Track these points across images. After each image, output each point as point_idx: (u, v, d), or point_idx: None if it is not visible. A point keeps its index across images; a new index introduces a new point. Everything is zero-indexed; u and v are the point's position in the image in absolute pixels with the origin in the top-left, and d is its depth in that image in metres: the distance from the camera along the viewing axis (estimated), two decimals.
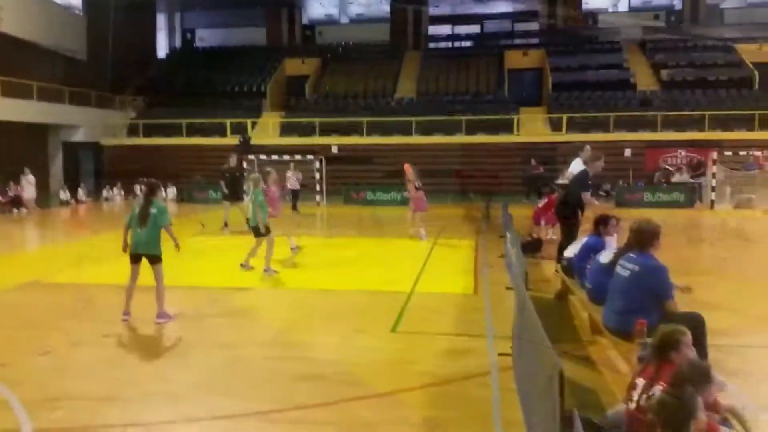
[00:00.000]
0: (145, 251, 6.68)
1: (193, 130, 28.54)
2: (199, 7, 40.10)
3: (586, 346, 5.75)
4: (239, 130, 28.07)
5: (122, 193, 25.37)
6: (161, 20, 40.84)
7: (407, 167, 12.94)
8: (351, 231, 15.40)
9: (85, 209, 22.45)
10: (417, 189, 12.66)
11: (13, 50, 25.13)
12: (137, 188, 24.38)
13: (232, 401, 4.62)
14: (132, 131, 29.92)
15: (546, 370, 3.18)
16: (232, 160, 15.35)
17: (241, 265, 9.47)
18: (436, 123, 26.97)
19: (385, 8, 38.63)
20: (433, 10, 38.94)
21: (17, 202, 20.15)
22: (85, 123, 28.44)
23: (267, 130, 28.81)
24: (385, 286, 8.54)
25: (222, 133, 28.11)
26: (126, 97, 32.65)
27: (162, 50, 40.57)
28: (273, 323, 6.77)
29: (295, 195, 20.22)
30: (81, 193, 24.56)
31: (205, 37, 41.87)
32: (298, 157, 22.24)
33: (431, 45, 38.28)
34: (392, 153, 26.10)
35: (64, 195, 23.73)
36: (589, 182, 8.63)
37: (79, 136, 28.42)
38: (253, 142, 27.11)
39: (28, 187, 20.23)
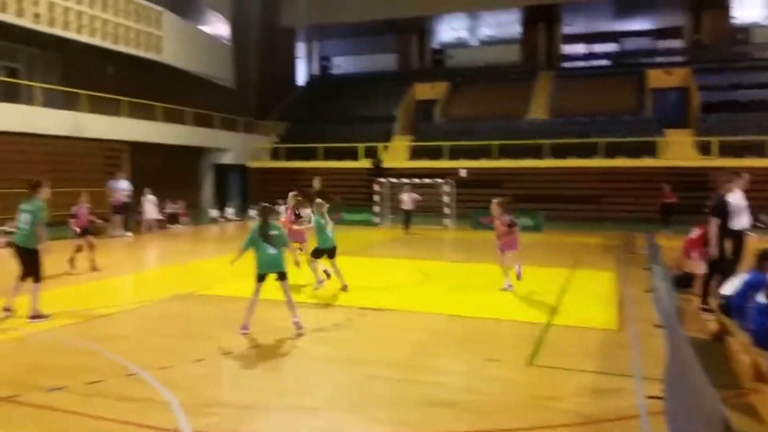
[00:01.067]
0: (277, 269, 7.23)
1: (329, 154, 29.84)
2: (336, 36, 42.11)
3: (748, 394, 5.22)
4: (371, 153, 28.98)
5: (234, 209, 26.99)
6: (301, 49, 43.37)
7: (494, 206, 10.13)
8: (479, 256, 15.21)
9: (233, 226, 24.15)
10: (510, 226, 9.97)
11: (172, 79, 27.88)
12: (280, 207, 25.93)
13: (364, 420, 4.72)
14: (274, 154, 31.91)
15: (707, 419, 2.92)
16: (317, 183, 15.45)
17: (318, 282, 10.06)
18: (570, 146, 26.07)
19: (516, 29, 38.24)
20: (567, 29, 37.94)
21: (174, 218, 22.15)
22: (233, 146, 30.78)
23: (397, 153, 29.45)
24: (518, 315, 8.32)
25: (355, 156, 29.14)
26: (269, 122, 34.94)
27: (301, 78, 43.02)
28: (405, 345, 6.83)
29: (407, 216, 20.63)
30: (229, 211, 26.49)
31: (341, 64, 43.84)
32: (427, 180, 22.48)
33: (565, 64, 37.27)
34: (523, 177, 25.60)
35: (214, 213, 25.76)
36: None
37: (227, 159, 30.80)
38: (384, 165, 27.88)
39: (149, 206, 20.62)
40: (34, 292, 7.78)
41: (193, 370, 5.84)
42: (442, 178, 23.51)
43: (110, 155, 24.00)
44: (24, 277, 7.91)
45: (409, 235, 19.83)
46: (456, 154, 27.59)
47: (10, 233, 14.16)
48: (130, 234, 19.06)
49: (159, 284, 10.83)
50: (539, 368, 6.04)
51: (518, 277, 10.01)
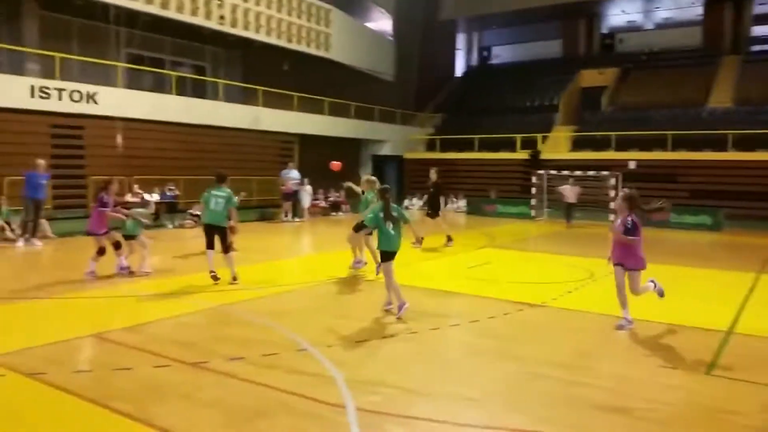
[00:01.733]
0: (397, 249, 7.57)
1: (484, 145, 29.51)
2: (496, 25, 41.35)
3: None
4: (529, 144, 28.18)
5: (421, 202, 27.23)
6: (460, 40, 43.24)
7: (619, 202, 7.55)
8: (651, 256, 14.12)
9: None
10: (628, 232, 7.06)
11: (337, 74, 29.22)
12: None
13: (526, 418, 4.58)
14: (430, 146, 32.27)
15: None
16: (433, 174, 14.94)
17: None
18: (758, 137, 23.25)
19: (697, 10, 34.80)
20: (757, 9, 33.78)
21: (336, 206, 23.33)
22: (391, 138, 31.61)
23: (558, 144, 28.31)
24: (694, 320, 7.60)
25: (512, 147, 28.51)
26: (426, 114, 35.35)
27: (459, 69, 42.92)
28: (569, 344, 6.55)
29: (569, 209, 19.90)
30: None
31: (501, 54, 43.03)
32: (591, 173, 21.35)
33: (754, 48, 33.25)
34: (700, 171, 23.37)
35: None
36: None
37: (385, 150, 31.70)
38: (542, 156, 26.97)
39: (305, 196, 21.75)
40: (231, 262, 9.33)
41: (357, 350, 6.08)
42: (607, 170, 22.18)
43: (283, 147, 25.82)
44: (226, 250, 9.33)
45: (571, 230, 19.05)
46: (624, 144, 25.85)
47: (197, 216, 15.83)
48: (298, 219, 20.39)
49: (320, 267, 11.44)
50: (719, 379, 5.47)
51: (660, 294, 7.61)
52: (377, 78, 32.76)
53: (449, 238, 14.23)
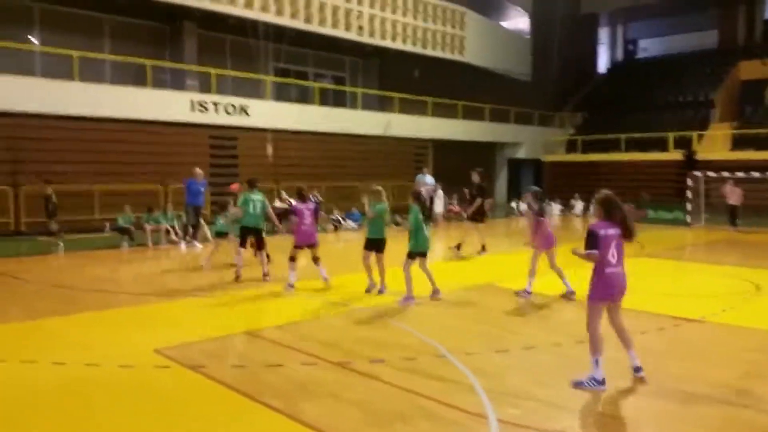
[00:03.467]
0: (428, 249, 8.66)
1: (631, 145, 27.77)
2: (644, 16, 38.84)
3: None
4: (682, 143, 26.12)
5: (561, 206, 26.16)
6: (603, 34, 41.14)
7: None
8: None
9: (525, 222, 24.11)
10: None
11: (471, 76, 29.01)
12: (574, 202, 25.18)
13: None
14: (570, 147, 30.97)
15: None
16: (475, 177, 13.78)
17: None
18: None
19: None
20: None
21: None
22: (527, 140, 30.79)
23: (716, 143, 25.95)
24: None
25: (663, 147, 26.57)
26: (565, 114, 34.02)
27: (603, 65, 40.84)
28: (733, 364, 5.92)
29: (733, 212, 18.21)
30: (522, 206, 26.50)
31: (649, 47, 40.34)
32: (756, 174, 19.28)
33: None
34: None
35: (520, 206, 26.04)
36: None
37: (521, 153, 30.95)
38: (698, 156, 24.91)
39: (437, 201, 20.97)
40: (264, 261, 10.21)
41: (497, 359, 5.95)
42: None
43: (416, 152, 26.11)
44: (260, 247, 10.29)
45: (734, 236, 17.41)
46: None
47: (337, 220, 16.37)
48: (430, 224, 20.46)
49: (458, 273, 11.35)
50: None
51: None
52: (513, 79, 32.11)
53: (483, 247, 13.59)
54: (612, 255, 5.19)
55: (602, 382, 5.07)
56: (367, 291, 9.01)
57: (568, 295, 8.65)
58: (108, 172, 17.52)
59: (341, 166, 22.37)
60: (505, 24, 34.21)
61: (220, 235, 11.86)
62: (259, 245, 10.30)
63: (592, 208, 5.84)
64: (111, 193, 17.12)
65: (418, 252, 8.56)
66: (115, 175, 17.59)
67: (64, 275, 11.00)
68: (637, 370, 5.31)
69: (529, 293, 8.73)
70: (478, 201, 13.73)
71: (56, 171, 16.27)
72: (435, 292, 8.62)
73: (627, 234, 5.26)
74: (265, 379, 5.36)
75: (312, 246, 9.52)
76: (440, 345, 6.32)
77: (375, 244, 8.93)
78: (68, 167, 16.81)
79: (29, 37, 18.96)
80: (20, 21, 18.65)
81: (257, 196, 10.26)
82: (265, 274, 10.08)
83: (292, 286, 9.18)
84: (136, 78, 19.19)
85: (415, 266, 8.59)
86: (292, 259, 9.30)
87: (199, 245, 14.72)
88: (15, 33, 18.09)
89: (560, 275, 8.77)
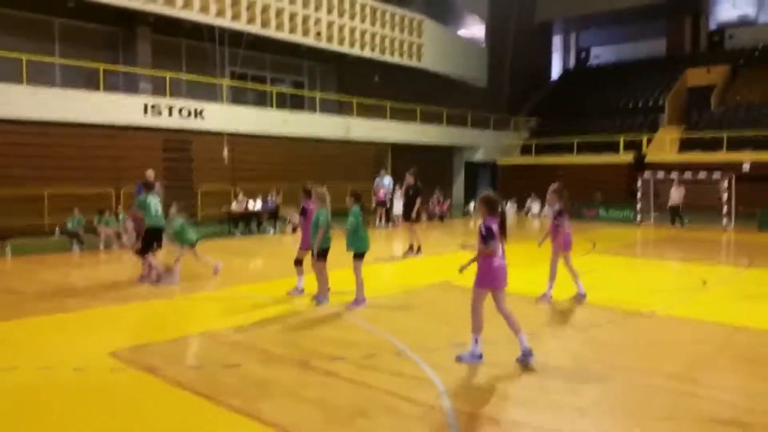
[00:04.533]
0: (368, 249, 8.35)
1: (584, 148, 28.51)
2: (596, 25, 39.99)
3: None
4: (633, 146, 27.01)
5: (515, 207, 26.65)
6: (557, 42, 42.16)
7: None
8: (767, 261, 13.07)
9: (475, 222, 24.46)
10: None
11: (429, 82, 29.34)
12: (528, 203, 25.72)
13: (640, 430, 4.34)
14: (525, 150, 31.60)
15: None
16: (409, 179, 13.85)
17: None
18: None
19: None
20: None
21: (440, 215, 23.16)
22: (484, 144, 31.27)
23: (664, 146, 26.89)
24: None
25: (615, 150, 27.40)
26: (521, 118, 34.70)
27: (556, 71, 41.83)
28: (681, 355, 6.15)
29: (675, 211, 19.47)
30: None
31: (601, 55, 41.53)
32: (701, 175, 20.07)
33: None
34: None
35: (467, 208, 26.43)
36: None
37: (478, 156, 31.41)
38: (648, 159, 25.80)
39: (396, 203, 21.10)
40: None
41: (453, 354, 6.02)
42: (718, 171, 20.76)
43: (375, 156, 26.21)
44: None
45: (680, 234, 18.07)
46: (737, 145, 24.14)
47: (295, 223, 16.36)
48: (389, 225, 20.61)
49: (417, 272, 11.44)
50: None
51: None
52: (470, 84, 32.58)
53: (413, 248, 13.34)
54: (499, 248, 5.76)
55: (479, 357, 5.72)
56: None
57: (579, 298, 8.45)
58: (58, 176, 17.01)
59: (299, 170, 22.27)
60: (461, 32, 34.71)
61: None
62: (157, 246, 10.34)
63: (474, 206, 6.25)
64: (61, 196, 16.63)
65: (363, 252, 8.22)
66: (65, 180, 17.09)
67: (11, 280, 10.62)
68: (527, 354, 5.65)
69: (550, 298, 8.45)
70: (418, 202, 13.71)
71: (4, 175, 15.77)
72: (357, 302, 8.11)
73: (503, 231, 5.81)
74: (222, 379, 5.29)
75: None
76: (399, 342, 6.36)
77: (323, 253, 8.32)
78: (16, 171, 16.28)
79: None
80: None
81: (155, 199, 10.28)
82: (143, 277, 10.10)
83: (301, 290, 8.87)
84: (88, 81, 18.71)
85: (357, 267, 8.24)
86: (299, 262, 8.93)
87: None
88: None
89: (575, 277, 8.48)
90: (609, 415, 4.64)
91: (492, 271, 5.71)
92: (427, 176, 27.24)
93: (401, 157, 26.31)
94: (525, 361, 5.62)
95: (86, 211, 14.94)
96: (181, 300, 8.82)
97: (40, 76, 17.80)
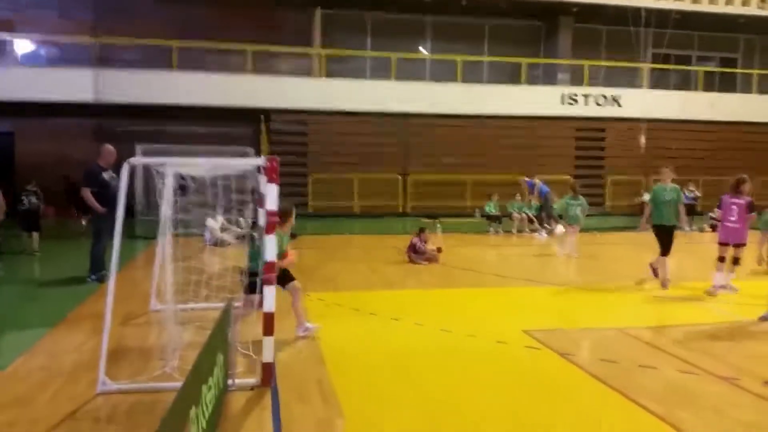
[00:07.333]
0: None
1: None
2: None
3: None
4: None
5: None
6: None
7: None
8: None
9: None
10: None
11: None
12: None
13: None
14: None
15: None
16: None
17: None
18: None
19: None
20: None
21: None
22: None
23: None
24: None
25: None
26: None
27: None
28: None
29: None
30: None
31: None
32: None
33: None
34: None
35: None
36: None
37: None
38: None
39: None
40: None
41: None
42: None
43: None
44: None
45: None
46: None
47: (715, 220, 14.46)
48: None
49: None
50: None
51: None
52: None
53: None
54: None
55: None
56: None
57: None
58: (477, 164, 18.98)
59: (724, 160, 19.63)
60: None
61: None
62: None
63: None
64: (480, 183, 18.47)
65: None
66: (484, 167, 18.93)
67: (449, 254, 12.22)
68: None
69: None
70: None
71: (434, 163, 18.51)
72: None
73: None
74: (638, 378, 5.07)
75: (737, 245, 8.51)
76: None
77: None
78: (445, 159, 18.89)
79: (420, 48, 21.68)
80: (414, 33, 21.46)
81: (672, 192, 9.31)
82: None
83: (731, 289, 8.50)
84: (511, 76, 20.19)
85: None
86: (721, 259, 8.51)
87: (545, 234, 14.85)
88: (409, 45, 20.94)
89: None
90: None
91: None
92: None
93: None
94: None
95: (502, 197, 16.20)
96: (595, 292, 8.81)
97: (472, 75, 20.04)
